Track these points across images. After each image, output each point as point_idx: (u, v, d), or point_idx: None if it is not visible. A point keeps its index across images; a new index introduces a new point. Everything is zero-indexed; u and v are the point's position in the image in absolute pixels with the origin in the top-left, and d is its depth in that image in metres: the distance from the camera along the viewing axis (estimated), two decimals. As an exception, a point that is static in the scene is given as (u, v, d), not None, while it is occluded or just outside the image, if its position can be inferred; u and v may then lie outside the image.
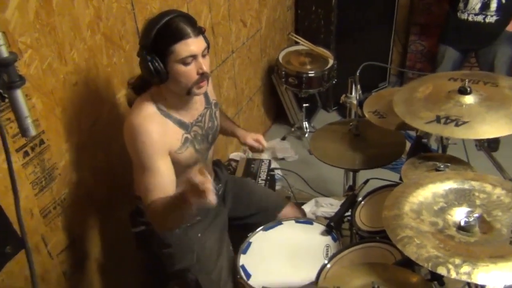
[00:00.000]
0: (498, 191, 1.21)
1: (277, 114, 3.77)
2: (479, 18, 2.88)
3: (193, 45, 1.45)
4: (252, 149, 1.96)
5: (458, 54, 3.11)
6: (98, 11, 1.72)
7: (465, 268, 0.99)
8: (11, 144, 1.45)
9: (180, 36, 1.43)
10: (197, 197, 1.26)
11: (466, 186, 1.25)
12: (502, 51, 2.97)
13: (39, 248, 1.63)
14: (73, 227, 1.78)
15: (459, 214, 1.17)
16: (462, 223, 1.12)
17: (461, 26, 2.96)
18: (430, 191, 1.24)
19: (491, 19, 2.86)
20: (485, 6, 2.84)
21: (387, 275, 1.19)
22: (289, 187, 2.94)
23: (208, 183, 1.24)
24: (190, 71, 1.48)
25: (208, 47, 1.52)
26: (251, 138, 1.94)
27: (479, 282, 0.98)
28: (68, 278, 1.76)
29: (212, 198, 1.25)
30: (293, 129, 3.58)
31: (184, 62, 1.46)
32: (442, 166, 1.46)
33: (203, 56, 1.50)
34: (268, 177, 2.72)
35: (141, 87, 1.61)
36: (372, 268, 1.22)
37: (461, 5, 2.91)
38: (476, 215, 1.13)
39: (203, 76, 1.50)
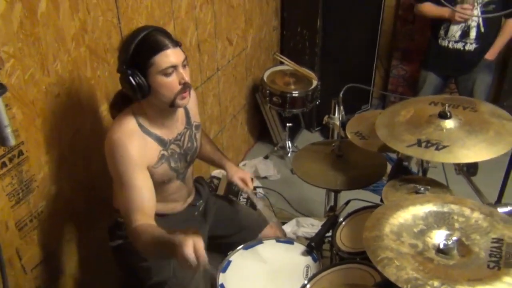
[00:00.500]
0: (476, 215, 1.23)
1: (260, 133, 3.79)
2: (459, 46, 2.96)
3: (172, 55, 1.46)
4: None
5: (439, 80, 3.18)
6: (84, 24, 1.71)
7: (444, 291, 1.00)
8: (-12, 155, 1.43)
9: (159, 48, 1.45)
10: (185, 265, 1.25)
11: (445, 209, 1.26)
12: (481, 79, 3.05)
13: (13, 262, 1.59)
14: (49, 241, 1.74)
15: (438, 237, 1.17)
16: (441, 246, 1.13)
17: (442, 52, 3.04)
18: (411, 213, 1.25)
19: (471, 47, 2.94)
20: (464, 34, 2.92)
21: (367, 296, 1.19)
22: (271, 206, 2.93)
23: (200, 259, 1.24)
24: (172, 82, 1.48)
25: (186, 58, 1.54)
26: (238, 178, 1.95)
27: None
28: (41, 293, 1.72)
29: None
30: (276, 148, 3.59)
31: (165, 73, 1.46)
32: (422, 189, 1.48)
33: (183, 66, 1.51)
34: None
35: (122, 104, 1.61)
36: (352, 289, 1.22)
37: (442, 32, 3.00)
38: (454, 238, 1.14)
39: (185, 86, 1.51)
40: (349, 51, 3.65)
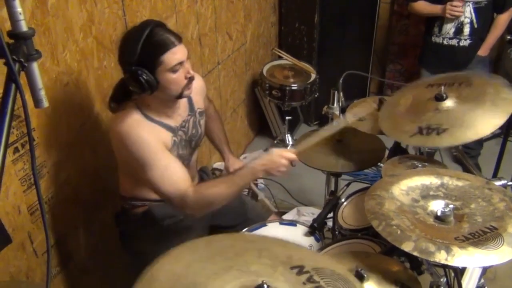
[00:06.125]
0: (487, 191, 1.29)
1: (260, 126, 3.84)
2: (453, 42, 3.00)
3: (179, 52, 1.51)
4: None
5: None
6: (91, 15, 1.76)
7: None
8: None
9: (167, 47, 1.49)
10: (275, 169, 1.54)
11: (460, 183, 1.32)
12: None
13: (25, 245, 1.63)
14: (59, 227, 1.78)
15: (438, 205, 1.23)
16: (439, 213, 1.19)
17: (436, 49, 3.07)
18: (420, 181, 1.33)
19: (465, 43, 2.97)
20: (458, 31, 2.96)
21: (370, 262, 1.24)
22: (272, 196, 2.98)
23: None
24: (179, 77, 1.54)
25: (188, 51, 1.59)
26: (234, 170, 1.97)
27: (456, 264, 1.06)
28: (51, 278, 1.76)
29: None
30: (275, 142, 3.64)
31: (173, 70, 1.51)
32: (420, 166, 1.53)
33: (187, 60, 1.56)
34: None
35: (122, 97, 1.65)
36: (355, 255, 1.27)
37: (435, 29, 3.03)
38: (451, 206, 1.20)
39: (190, 80, 1.57)
40: (346, 46, 3.71)
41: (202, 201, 1.55)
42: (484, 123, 1.42)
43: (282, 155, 1.53)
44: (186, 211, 1.60)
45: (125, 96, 1.63)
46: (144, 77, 1.48)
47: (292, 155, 1.56)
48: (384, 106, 1.71)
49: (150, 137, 1.53)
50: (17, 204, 1.57)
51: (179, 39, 1.53)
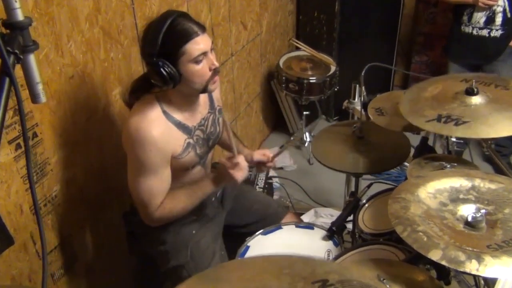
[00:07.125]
0: None
1: (276, 122, 3.75)
2: (484, 33, 2.82)
3: (202, 42, 1.45)
4: (259, 168, 1.90)
5: (463, 70, 3.00)
6: (97, 4, 1.69)
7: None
8: (4, 135, 1.40)
9: (189, 36, 1.42)
10: (229, 177, 1.55)
11: (493, 186, 1.25)
12: (509, 67, 2.89)
13: (27, 246, 1.57)
14: (63, 227, 1.72)
15: (468, 210, 1.16)
16: (469, 219, 1.13)
17: (465, 40, 2.90)
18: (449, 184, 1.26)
19: (496, 33, 2.79)
20: (490, 20, 2.78)
21: (393, 271, 1.17)
22: (288, 196, 2.87)
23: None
24: (203, 69, 1.47)
25: (212, 42, 1.52)
26: (258, 154, 1.88)
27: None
28: (56, 280, 1.70)
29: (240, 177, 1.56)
30: (292, 138, 3.54)
31: (197, 60, 1.44)
32: (448, 166, 1.42)
33: (211, 51, 1.49)
34: (266, 186, 2.68)
35: (141, 92, 1.58)
36: (377, 263, 1.20)
37: (465, 18, 2.85)
38: (483, 211, 1.11)
39: (215, 71, 1.50)
40: (368, 36, 3.57)
41: (165, 215, 1.59)
42: (508, 124, 1.34)
43: (228, 166, 1.56)
44: (147, 222, 1.61)
45: (144, 91, 1.57)
46: (166, 69, 1.42)
47: (239, 161, 1.56)
48: (410, 88, 1.63)
49: (162, 146, 1.48)
50: (19, 203, 1.51)
51: (203, 29, 1.46)
